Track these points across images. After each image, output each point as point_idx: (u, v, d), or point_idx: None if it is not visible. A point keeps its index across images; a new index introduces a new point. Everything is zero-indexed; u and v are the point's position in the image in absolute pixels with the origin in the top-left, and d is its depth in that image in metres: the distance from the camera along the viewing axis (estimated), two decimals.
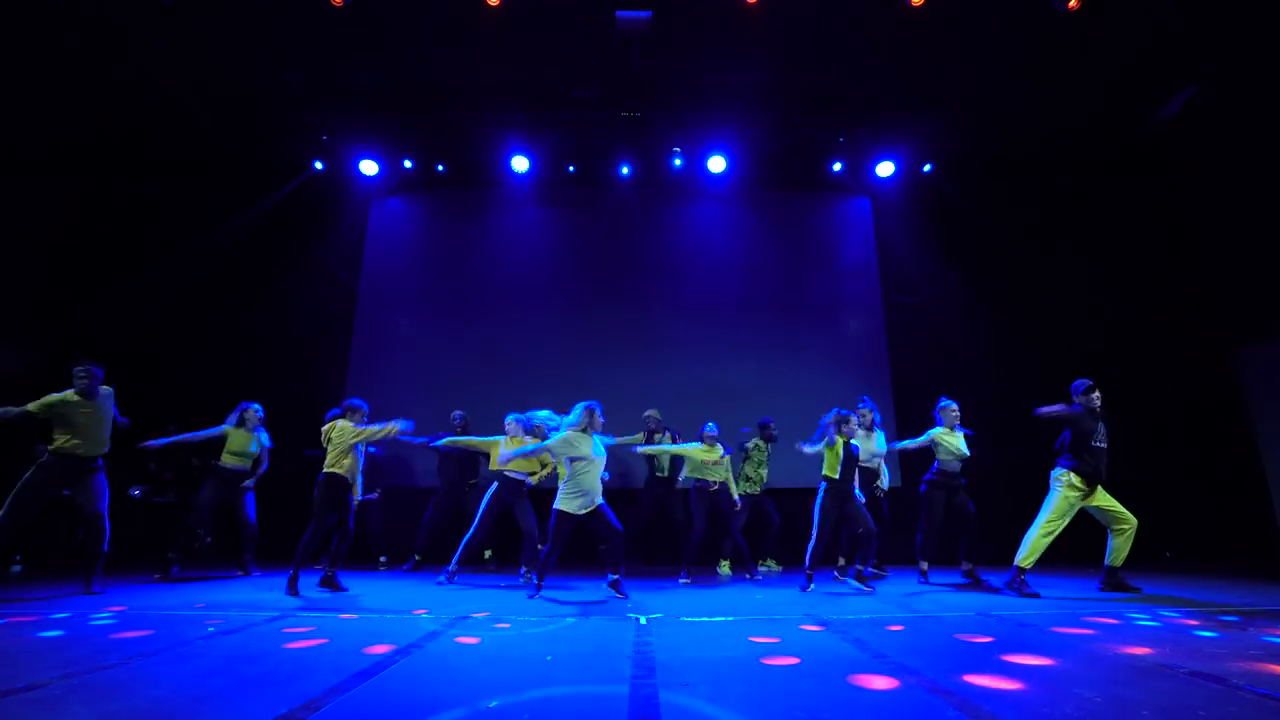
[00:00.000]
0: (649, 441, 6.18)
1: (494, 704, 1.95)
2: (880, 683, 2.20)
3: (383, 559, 6.28)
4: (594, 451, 4.46)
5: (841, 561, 5.08)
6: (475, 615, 3.59)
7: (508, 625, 3.30)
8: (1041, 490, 4.82)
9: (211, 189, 8.01)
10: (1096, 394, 4.75)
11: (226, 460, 5.53)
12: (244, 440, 5.55)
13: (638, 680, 2.23)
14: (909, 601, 4.24)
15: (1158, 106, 7.15)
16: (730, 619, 3.50)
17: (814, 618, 3.53)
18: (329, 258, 8.04)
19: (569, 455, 4.39)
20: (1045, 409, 4.77)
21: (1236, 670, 2.32)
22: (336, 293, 7.90)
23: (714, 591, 4.76)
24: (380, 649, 2.70)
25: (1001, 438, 6.36)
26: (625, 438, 5.98)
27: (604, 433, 4.74)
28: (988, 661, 2.51)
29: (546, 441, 4.59)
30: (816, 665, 2.48)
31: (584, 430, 4.49)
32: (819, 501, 4.85)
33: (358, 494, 4.88)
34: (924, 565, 5.25)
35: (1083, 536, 4.87)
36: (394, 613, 3.70)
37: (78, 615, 3.50)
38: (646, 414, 6.48)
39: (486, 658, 2.63)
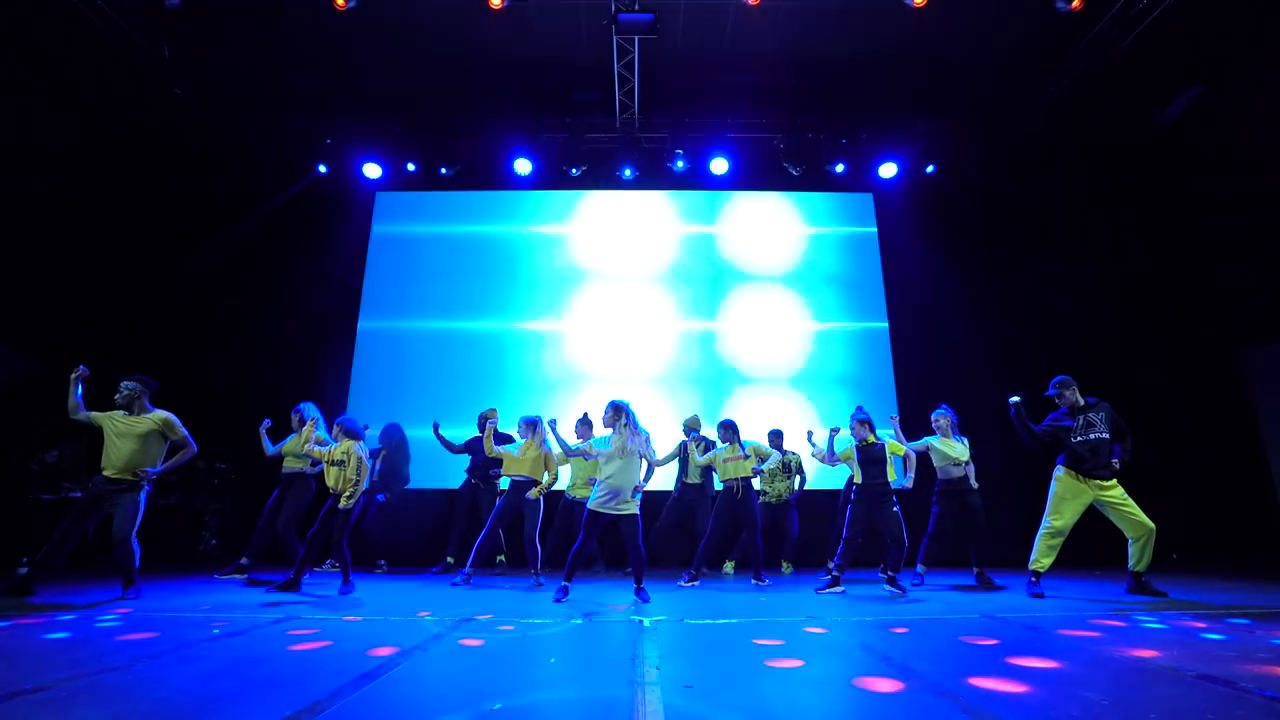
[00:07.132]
0: (684, 450, 6.05)
1: (498, 706, 1.95)
2: (885, 685, 2.19)
3: (381, 564, 6.24)
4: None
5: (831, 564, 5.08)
6: (479, 617, 3.58)
7: (511, 628, 3.30)
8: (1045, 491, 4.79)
9: (214, 193, 8.04)
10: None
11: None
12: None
13: (641, 683, 2.22)
14: (911, 605, 4.22)
15: (1163, 106, 7.13)
16: (734, 622, 3.49)
17: (818, 620, 3.52)
18: (332, 260, 8.07)
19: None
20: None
21: (1244, 673, 2.30)
22: (340, 295, 7.92)
23: (718, 594, 4.74)
24: (384, 651, 2.70)
25: (1009, 439, 6.32)
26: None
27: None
28: (993, 664, 2.49)
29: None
30: (820, 668, 2.47)
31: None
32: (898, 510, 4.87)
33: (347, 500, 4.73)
34: (920, 569, 5.24)
35: (1087, 538, 4.85)
36: (398, 615, 3.70)
37: (84, 617, 3.51)
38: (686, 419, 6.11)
39: (490, 660, 2.63)
